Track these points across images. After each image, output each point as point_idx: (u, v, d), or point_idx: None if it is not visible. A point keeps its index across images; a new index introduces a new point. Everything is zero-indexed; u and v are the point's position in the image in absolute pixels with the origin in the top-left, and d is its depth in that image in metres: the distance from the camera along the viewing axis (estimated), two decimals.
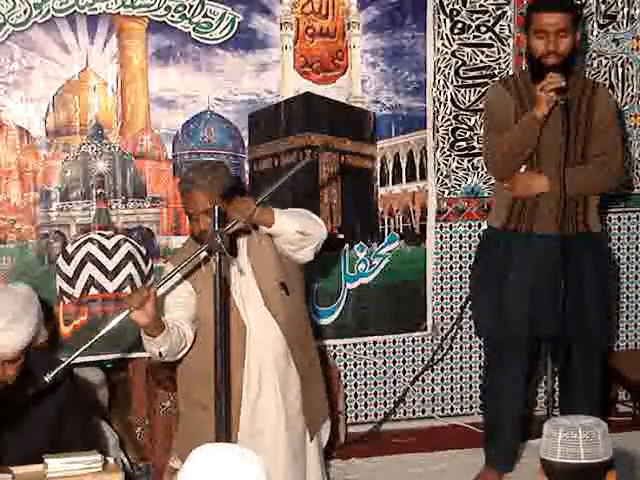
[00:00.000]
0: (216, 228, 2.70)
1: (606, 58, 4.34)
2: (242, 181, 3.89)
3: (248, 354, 3.07)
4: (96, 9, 3.74)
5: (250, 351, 3.08)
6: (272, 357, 3.11)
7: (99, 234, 3.89)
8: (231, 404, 2.92)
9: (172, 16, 3.82)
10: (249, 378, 3.09)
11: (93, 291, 3.88)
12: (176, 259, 3.09)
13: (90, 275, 3.88)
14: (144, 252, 3.93)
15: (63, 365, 2.69)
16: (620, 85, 4.37)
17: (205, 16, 3.85)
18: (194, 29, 3.85)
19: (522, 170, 3.56)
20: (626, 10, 4.32)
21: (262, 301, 3.09)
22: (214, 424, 2.79)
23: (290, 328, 3.13)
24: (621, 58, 4.35)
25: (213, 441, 2.83)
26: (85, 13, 3.74)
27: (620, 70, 4.36)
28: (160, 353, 2.96)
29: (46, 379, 2.63)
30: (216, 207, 2.80)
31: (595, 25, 4.30)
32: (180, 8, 3.82)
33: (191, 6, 3.83)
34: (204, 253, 2.91)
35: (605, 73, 4.34)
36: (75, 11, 3.73)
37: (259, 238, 3.11)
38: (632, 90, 4.39)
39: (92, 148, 3.86)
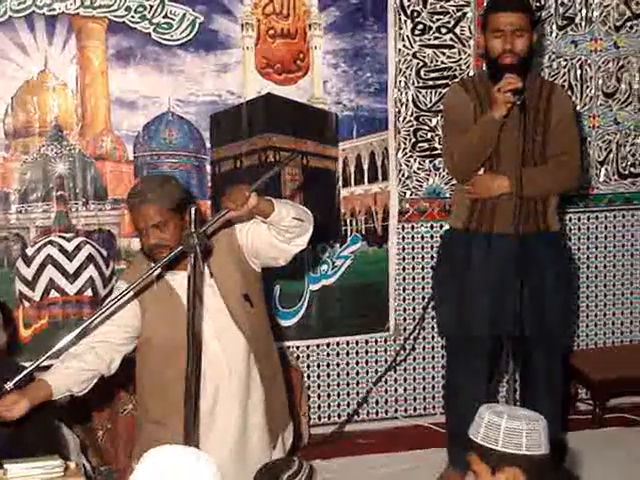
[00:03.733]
0: (192, 229, 2.68)
1: (565, 60, 4.38)
2: (192, 194, 3.81)
3: (204, 367, 3.03)
4: (55, 9, 3.71)
5: (206, 364, 3.04)
6: (234, 370, 3.07)
7: (59, 236, 3.86)
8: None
9: (132, 17, 3.80)
10: (204, 390, 3.04)
11: (53, 294, 3.85)
12: (128, 275, 3.02)
13: (50, 278, 3.85)
14: (105, 254, 3.91)
15: (27, 371, 2.65)
16: (579, 86, 4.42)
17: (165, 17, 3.83)
18: (154, 30, 3.83)
19: (481, 172, 3.58)
20: (584, 12, 4.36)
21: (228, 314, 3.04)
22: (170, 440, 2.75)
23: (255, 340, 3.09)
24: (579, 60, 4.40)
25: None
26: (44, 13, 3.71)
27: (579, 72, 4.41)
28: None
29: (7, 386, 2.60)
30: (192, 209, 2.78)
31: (554, 27, 4.34)
32: (140, 9, 3.80)
33: (151, 7, 3.81)
34: (158, 271, 2.86)
35: (564, 75, 4.39)
36: (33, 11, 3.69)
37: (219, 246, 3.06)
38: (590, 91, 4.44)
39: (52, 150, 3.83)
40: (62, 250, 3.86)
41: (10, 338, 3.30)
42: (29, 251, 3.82)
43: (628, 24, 4.42)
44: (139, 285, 2.85)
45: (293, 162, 4.03)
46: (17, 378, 2.61)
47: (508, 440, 2.20)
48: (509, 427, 2.20)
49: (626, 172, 4.55)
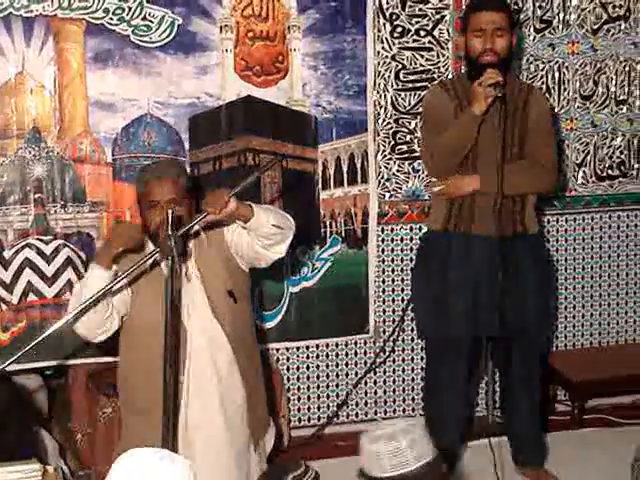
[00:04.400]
0: (169, 232, 2.68)
1: (542, 62, 4.41)
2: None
3: (188, 361, 3.03)
4: (32, 11, 3.69)
5: (191, 358, 3.04)
6: (215, 366, 3.07)
7: (37, 239, 3.83)
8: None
9: (110, 19, 3.78)
10: (188, 385, 3.04)
11: (32, 297, 3.83)
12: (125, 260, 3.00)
13: (28, 281, 3.83)
14: (84, 257, 3.88)
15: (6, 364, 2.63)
16: (556, 89, 4.44)
17: (144, 19, 3.82)
18: (133, 32, 3.82)
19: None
20: (562, 15, 4.39)
21: (210, 309, 3.05)
22: (155, 430, 2.77)
23: (237, 337, 3.10)
24: (557, 62, 4.42)
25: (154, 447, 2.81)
26: (21, 15, 3.68)
27: (556, 74, 4.43)
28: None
29: None
30: (169, 211, 2.78)
31: (532, 30, 4.36)
32: (118, 11, 3.78)
33: (130, 9, 3.79)
34: (155, 255, 2.87)
35: (542, 77, 4.41)
36: (10, 13, 3.67)
37: (209, 242, 3.08)
38: (568, 94, 4.46)
39: (30, 152, 3.81)
40: (40, 253, 3.84)
41: None
42: (7, 254, 3.80)
43: (605, 27, 4.45)
44: (121, 280, 2.84)
45: (273, 164, 4.01)
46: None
47: (370, 465, 2.17)
48: (371, 450, 2.17)
49: (603, 174, 4.57)
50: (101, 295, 2.82)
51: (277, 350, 4.27)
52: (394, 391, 4.47)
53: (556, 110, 4.39)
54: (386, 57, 4.20)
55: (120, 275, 2.84)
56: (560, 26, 4.40)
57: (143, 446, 2.94)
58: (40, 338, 2.83)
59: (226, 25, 3.95)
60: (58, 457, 3.63)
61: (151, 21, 3.83)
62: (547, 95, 4.34)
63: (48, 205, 3.84)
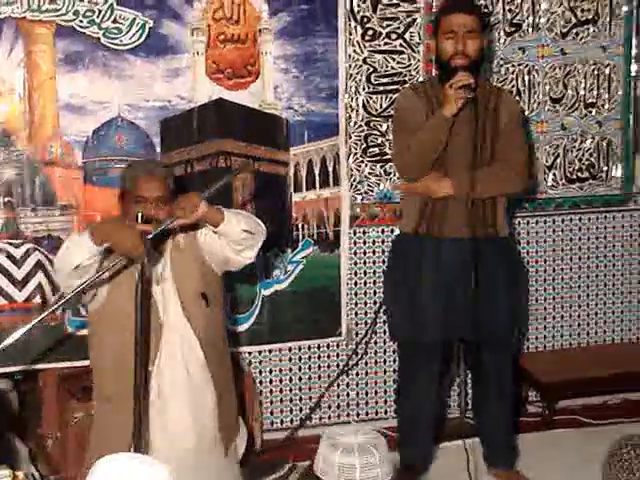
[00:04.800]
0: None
1: (513, 66, 4.43)
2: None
3: (160, 353, 3.03)
4: (1, 13, 3.66)
5: (162, 353, 3.03)
6: (186, 367, 3.07)
7: (7, 243, 3.80)
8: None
9: (81, 21, 3.76)
10: (158, 376, 3.04)
11: (1, 301, 3.79)
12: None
13: None
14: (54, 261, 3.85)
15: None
16: (527, 92, 4.47)
17: (115, 21, 3.80)
18: (103, 34, 3.80)
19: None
20: (531, 19, 4.42)
21: (180, 308, 3.05)
22: (122, 420, 2.78)
23: (208, 340, 3.09)
24: (527, 66, 4.45)
25: (124, 438, 2.81)
26: None
27: (526, 77, 4.46)
28: (78, 266, 2.82)
29: None
30: (139, 213, 2.77)
31: (502, 33, 4.39)
32: (89, 13, 3.76)
33: (100, 11, 3.77)
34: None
35: (512, 80, 4.44)
36: None
37: (184, 244, 3.08)
38: (538, 97, 4.49)
39: None
40: (10, 257, 3.81)
41: None
42: None
43: (574, 31, 4.48)
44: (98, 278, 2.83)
45: (244, 167, 4.01)
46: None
47: (344, 477, 2.17)
48: (343, 463, 2.17)
49: (573, 177, 4.61)
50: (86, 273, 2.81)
51: (249, 353, 4.26)
52: (366, 393, 4.48)
53: (526, 113, 4.41)
54: (357, 60, 4.21)
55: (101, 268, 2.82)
56: (530, 29, 4.43)
57: (111, 434, 2.96)
58: (37, 320, 2.76)
59: (197, 28, 3.94)
60: (29, 462, 3.61)
61: (122, 24, 3.81)
62: (517, 98, 4.37)
63: (18, 208, 3.81)
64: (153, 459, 1.86)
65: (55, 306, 3.07)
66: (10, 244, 3.81)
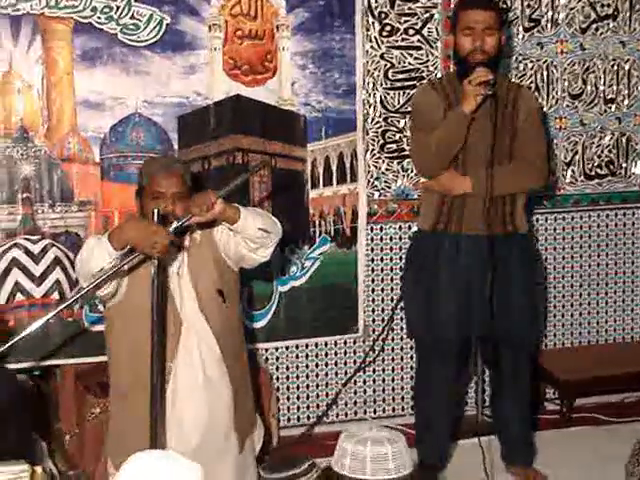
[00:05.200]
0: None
1: (531, 61, 4.41)
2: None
3: (178, 349, 3.03)
4: (19, 10, 3.67)
5: (179, 348, 3.03)
6: (203, 363, 3.07)
7: (25, 239, 3.81)
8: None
9: (98, 17, 3.77)
10: (175, 372, 3.03)
11: (19, 297, 3.81)
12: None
13: (16, 281, 3.81)
14: (72, 257, 3.86)
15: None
16: (545, 88, 4.45)
17: (132, 18, 3.81)
18: (121, 31, 3.80)
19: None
20: (550, 14, 4.39)
21: (197, 305, 3.06)
22: (136, 415, 2.78)
23: (224, 336, 3.10)
24: (546, 61, 4.43)
25: (140, 435, 2.81)
26: (8, 14, 3.66)
27: (545, 73, 4.44)
28: (100, 269, 2.81)
29: None
30: (156, 210, 2.78)
31: (520, 29, 4.37)
32: (106, 9, 3.77)
33: (118, 7, 3.78)
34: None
35: (530, 76, 4.41)
36: None
37: (201, 241, 3.08)
38: (557, 93, 4.47)
39: (17, 151, 3.79)
40: (28, 253, 3.82)
41: None
42: None
43: (593, 26, 4.46)
44: (115, 273, 2.83)
45: (263, 165, 4.01)
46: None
47: (376, 467, 2.18)
48: (375, 454, 2.18)
49: (592, 173, 4.58)
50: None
51: (266, 350, 4.26)
52: (383, 390, 4.47)
53: (545, 109, 4.39)
54: (375, 56, 4.20)
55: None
56: (549, 25, 4.40)
57: (128, 431, 2.97)
58: (54, 313, 2.77)
59: (215, 24, 3.94)
60: (47, 457, 3.63)
61: (139, 20, 3.82)
62: (536, 94, 4.35)
63: (36, 205, 3.82)
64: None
65: (68, 302, 3.06)
66: (28, 240, 3.82)
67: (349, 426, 2.25)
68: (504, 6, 4.25)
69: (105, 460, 3.23)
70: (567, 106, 4.49)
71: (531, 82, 4.41)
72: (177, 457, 1.82)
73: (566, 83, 4.47)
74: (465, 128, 3.47)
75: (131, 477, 1.77)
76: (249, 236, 2.95)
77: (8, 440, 2.81)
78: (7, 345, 2.67)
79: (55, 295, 3.83)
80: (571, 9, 4.42)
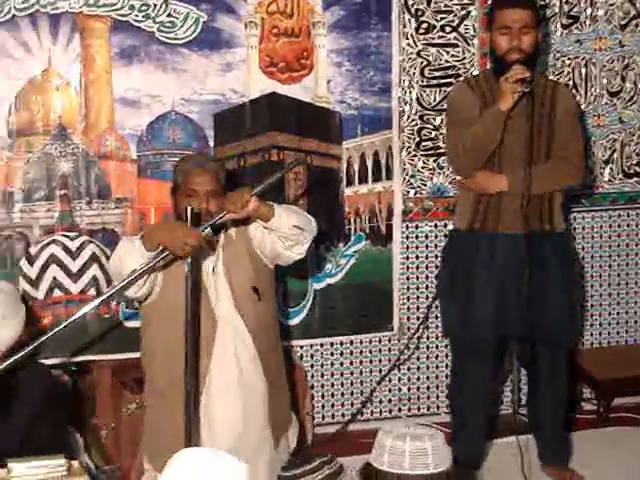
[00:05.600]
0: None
1: (569, 59, 4.37)
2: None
3: (213, 347, 3.04)
4: (58, 8, 3.70)
5: (215, 345, 3.04)
6: (238, 360, 3.08)
7: (63, 235, 3.85)
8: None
9: (136, 15, 3.79)
10: (211, 369, 3.04)
11: (57, 293, 3.84)
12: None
13: (54, 277, 3.84)
14: (109, 253, 3.89)
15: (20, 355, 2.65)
16: (583, 85, 4.41)
17: (169, 16, 3.83)
18: (158, 29, 3.82)
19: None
20: (589, 11, 4.35)
21: (233, 302, 3.07)
22: (172, 413, 2.79)
23: (260, 333, 3.11)
24: (584, 58, 4.39)
25: (176, 431, 2.83)
26: (47, 12, 3.69)
27: (583, 70, 4.40)
28: (134, 270, 2.85)
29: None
30: (189, 208, 2.80)
31: (558, 25, 4.33)
32: (144, 7, 3.79)
33: (155, 5, 3.80)
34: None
35: (568, 73, 4.38)
36: (37, 10, 3.68)
37: (237, 238, 3.09)
38: (595, 90, 4.43)
39: (55, 148, 3.82)
40: (66, 249, 3.85)
41: (30, 337, 3.23)
42: (33, 250, 3.82)
43: (633, 22, 4.41)
44: (149, 268, 2.84)
45: (298, 162, 4.01)
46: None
47: (414, 462, 2.17)
48: (414, 449, 2.17)
49: (630, 171, 4.54)
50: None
51: (301, 347, 4.27)
52: (418, 389, 4.46)
53: (583, 106, 4.35)
54: (411, 53, 4.18)
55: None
56: (587, 22, 4.36)
57: (163, 427, 2.98)
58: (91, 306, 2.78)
59: (251, 21, 3.95)
60: (83, 452, 3.65)
61: (176, 18, 3.84)
62: (574, 91, 4.31)
63: (74, 201, 3.85)
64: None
65: (95, 303, 3.03)
66: (66, 236, 3.85)
67: (384, 424, 2.25)
68: (542, 3, 4.21)
69: (141, 456, 3.26)
70: (605, 103, 4.45)
71: (569, 79, 4.37)
72: (223, 454, 1.82)
73: (604, 80, 4.43)
74: (501, 126, 3.45)
75: (178, 474, 1.78)
76: (283, 233, 2.95)
77: (42, 435, 2.83)
78: (38, 341, 2.68)
79: (92, 291, 3.86)
80: (610, 5, 4.37)
